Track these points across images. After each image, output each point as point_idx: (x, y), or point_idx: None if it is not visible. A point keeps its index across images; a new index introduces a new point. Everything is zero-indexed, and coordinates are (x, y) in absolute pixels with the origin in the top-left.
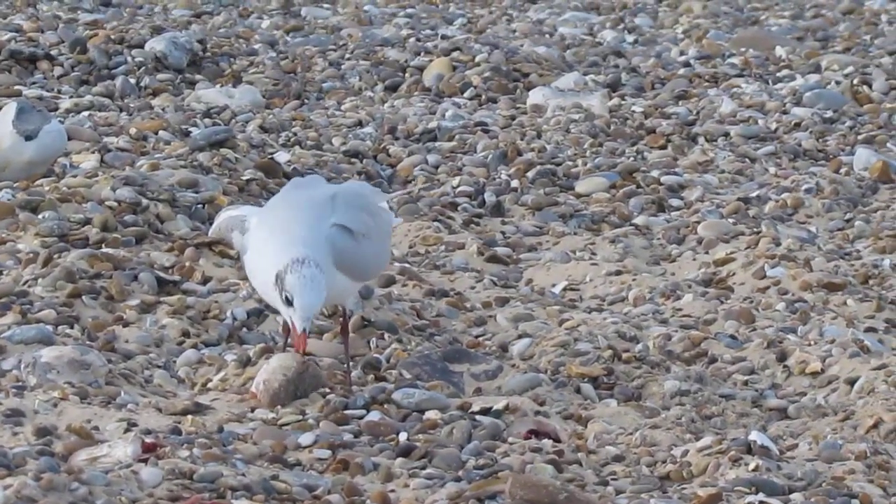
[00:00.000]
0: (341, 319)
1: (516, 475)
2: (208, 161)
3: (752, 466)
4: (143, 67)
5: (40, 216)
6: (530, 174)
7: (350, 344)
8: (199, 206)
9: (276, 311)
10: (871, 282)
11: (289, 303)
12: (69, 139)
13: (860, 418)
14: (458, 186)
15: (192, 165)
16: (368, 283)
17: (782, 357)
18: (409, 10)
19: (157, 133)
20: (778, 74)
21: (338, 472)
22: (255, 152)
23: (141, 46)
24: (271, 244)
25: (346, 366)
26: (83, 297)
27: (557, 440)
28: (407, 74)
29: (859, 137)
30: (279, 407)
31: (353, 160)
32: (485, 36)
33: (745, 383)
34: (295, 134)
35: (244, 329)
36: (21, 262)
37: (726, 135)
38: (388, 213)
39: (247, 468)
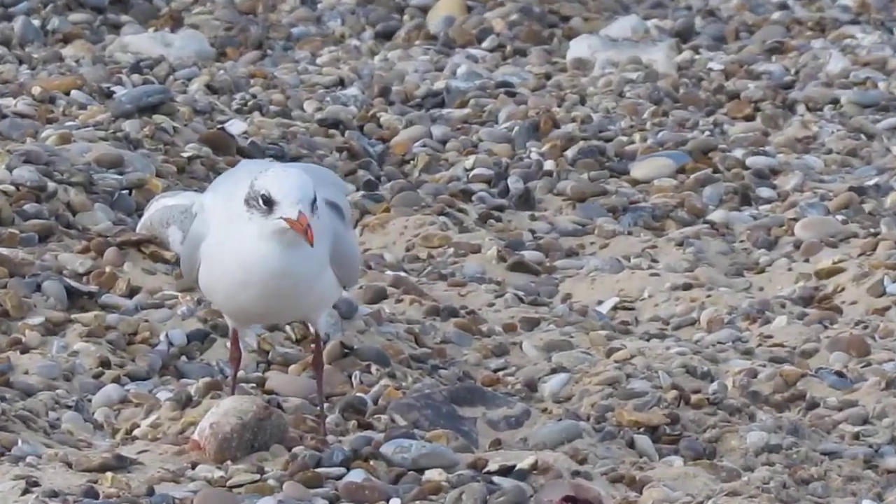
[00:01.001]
0: (312, 346)
1: None
2: (137, 132)
3: None
4: (51, 5)
5: None
6: (570, 153)
7: (324, 379)
8: (125, 192)
9: (235, 329)
10: None
11: (267, 203)
12: None
13: None
14: (472, 169)
15: (115, 137)
16: (349, 297)
17: None
18: None
19: (68, 94)
20: None
21: None
22: (199, 120)
23: None
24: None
25: (319, 408)
26: None
27: None
28: (405, 17)
29: None
30: (229, 462)
31: (331, 132)
32: None
33: (856, 436)
34: (254, 96)
35: (183, 358)
36: None
37: (835, 102)
38: (348, 213)
39: None
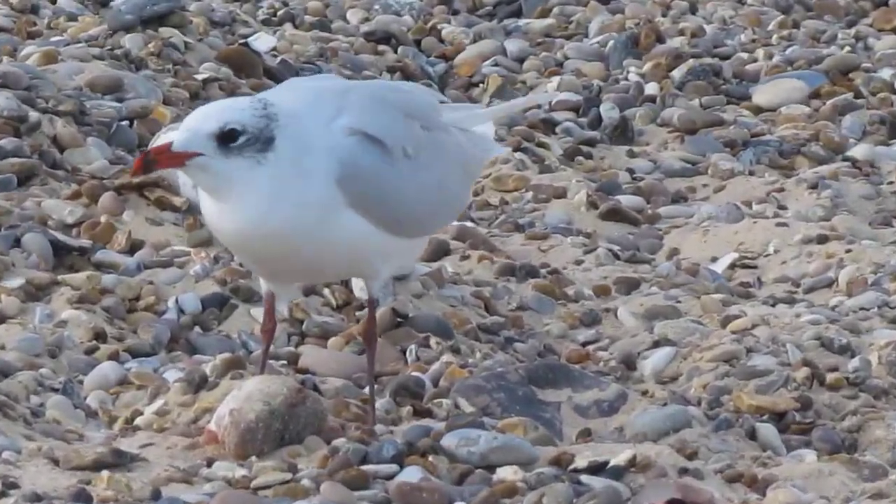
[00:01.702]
0: (365, 312)
1: None
2: (140, 49)
3: None
4: None
5: None
6: (677, 74)
7: (376, 355)
8: (124, 123)
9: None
10: None
11: None
12: None
13: None
14: (556, 94)
15: (112, 56)
16: (413, 247)
17: None
18: None
19: (54, 2)
20: None
21: None
22: (217, 34)
23: None
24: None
25: (367, 390)
26: None
27: None
28: None
29: None
30: (254, 458)
31: (380, 48)
32: None
33: None
34: (285, 3)
35: (196, 329)
36: None
37: None
38: (477, 139)
39: None
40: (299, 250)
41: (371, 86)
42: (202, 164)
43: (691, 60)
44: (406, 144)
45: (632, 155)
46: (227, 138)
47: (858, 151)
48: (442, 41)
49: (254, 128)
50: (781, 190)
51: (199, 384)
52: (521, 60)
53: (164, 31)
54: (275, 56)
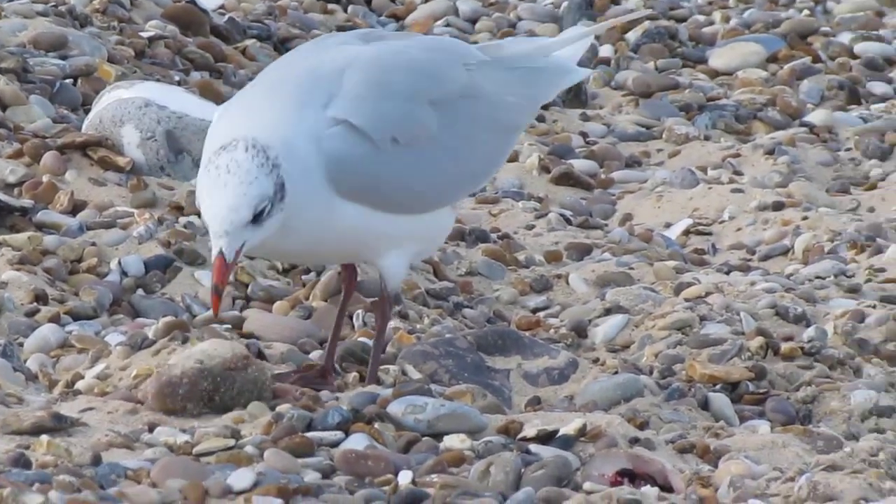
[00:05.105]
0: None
1: None
2: (84, 5)
3: None
4: None
5: None
6: (632, 36)
7: (334, 319)
8: (68, 81)
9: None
10: None
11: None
12: None
13: None
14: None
15: (56, 13)
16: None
17: None
18: None
19: None
20: None
21: None
22: None
23: None
24: (211, 134)
25: (373, 354)
26: None
27: (668, 489)
28: None
29: None
30: (195, 423)
31: (330, 7)
32: None
33: None
34: None
35: (140, 291)
36: None
37: None
38: (540, 76)
39: None
40: (307, 245)
41: (376, 63)
42: (248, 249)
43: (647, 22)
44: (397, 133)
45: (585, 118)
46: (258, 216)
47: (816, 117)
48: (393, 1)
49: (273, 191)
50: (737, 155)
51: (140, 347)
52: (473, 21)
53: None
54: (222, 14)
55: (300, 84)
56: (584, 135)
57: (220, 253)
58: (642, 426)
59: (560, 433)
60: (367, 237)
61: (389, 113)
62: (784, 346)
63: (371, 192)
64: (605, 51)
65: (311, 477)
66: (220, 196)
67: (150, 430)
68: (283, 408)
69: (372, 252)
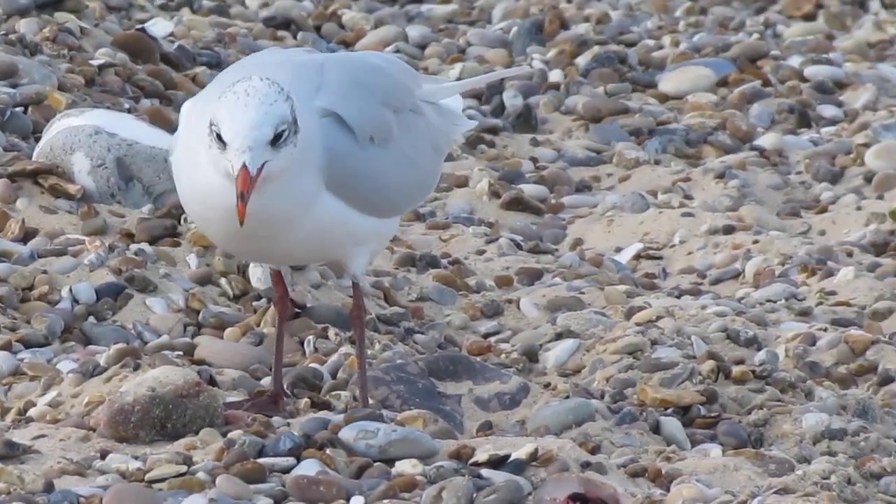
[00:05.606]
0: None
1: None
2: (34, 34)
3: None
4: None
5: None
6: (582, 60)
7: (363, 338)
8: (18, 109)
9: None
10: None
11: (220, 139)
12: None
13: None
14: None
15: (6, 41)
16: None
17: None
18: None
19: None
20: None
21: None
22: (113, 19)
23: None
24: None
25: (359, 374)
26: None
27: None
28: None
29: None
30: (147, 450)
31: (280, 34)
32: None
33: None
34: None
35: (91, 319)
36: None
37: None
38: (447, 113)
39: None
40: (276, 232)
41: (347, 64)
42: (268, 171)
43: (596, 47)
44: (374, 132)
45: (535, 143)
46: (277, 138)
47: (766, 140)
48: (342, 27)
49: (291, 118)
50: (688, 179)
51: (92, 375)
52: (422, 47)
53: (60, 16)
54: (172, 42)
55: (286, 70)
56: (534, 160)
57: (244, 165)
58: (594, 450)
59: (512, 458)
60: (343, 234)
61: (368, 111)
62: (735, 370)
63: (351, 189)
64: (555, 76)
65: (263, 503)
66: (242, 114)
67: (103, 457)
68: (234, 434)
69: (341, 249)
